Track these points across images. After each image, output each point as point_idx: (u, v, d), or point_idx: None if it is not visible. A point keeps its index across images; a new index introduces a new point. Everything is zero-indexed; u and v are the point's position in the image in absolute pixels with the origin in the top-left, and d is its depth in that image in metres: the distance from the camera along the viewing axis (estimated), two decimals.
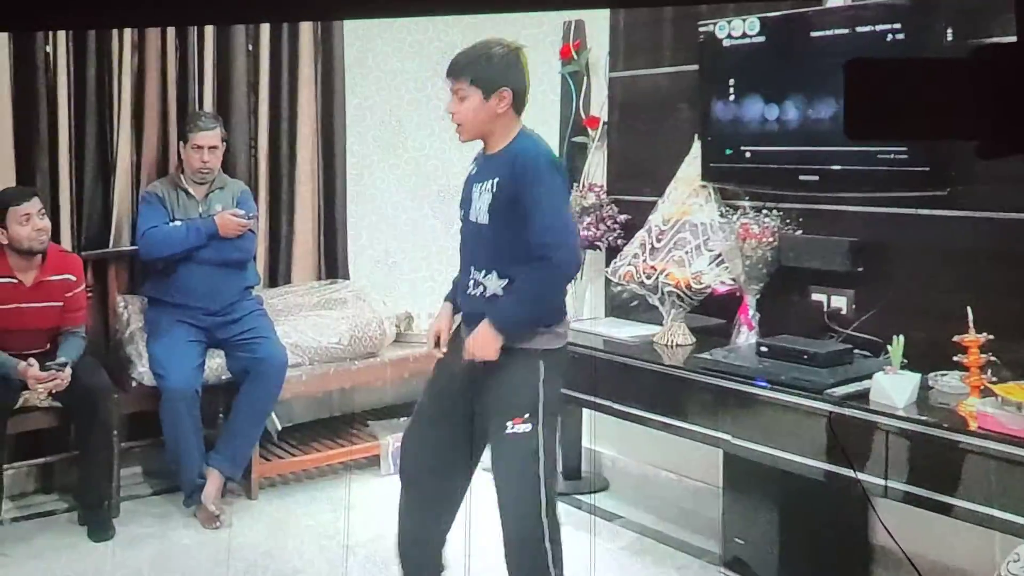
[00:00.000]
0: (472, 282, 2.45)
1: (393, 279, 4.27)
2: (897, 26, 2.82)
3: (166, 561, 3.20)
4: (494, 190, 2.39)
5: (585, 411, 3.67)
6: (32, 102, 3.62)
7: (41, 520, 3.50)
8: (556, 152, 2.50)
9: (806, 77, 3.02)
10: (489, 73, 2.38)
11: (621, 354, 3.27)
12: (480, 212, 2.41)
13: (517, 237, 2.35)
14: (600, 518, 3.55)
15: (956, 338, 2.61)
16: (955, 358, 2.64)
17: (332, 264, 4.24)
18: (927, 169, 2.77)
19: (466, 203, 2.49)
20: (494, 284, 2.40)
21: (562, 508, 3.58)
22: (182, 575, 3.10)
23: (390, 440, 3.91)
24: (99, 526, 3.36)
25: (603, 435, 3.84)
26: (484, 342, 2.37)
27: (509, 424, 2.36)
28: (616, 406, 3.26)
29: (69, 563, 3.17)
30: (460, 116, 2.41)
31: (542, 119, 4.00)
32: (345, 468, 3.99)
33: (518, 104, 2.43)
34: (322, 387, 3.85)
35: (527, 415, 2.36)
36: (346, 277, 4.23)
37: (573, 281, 2.46)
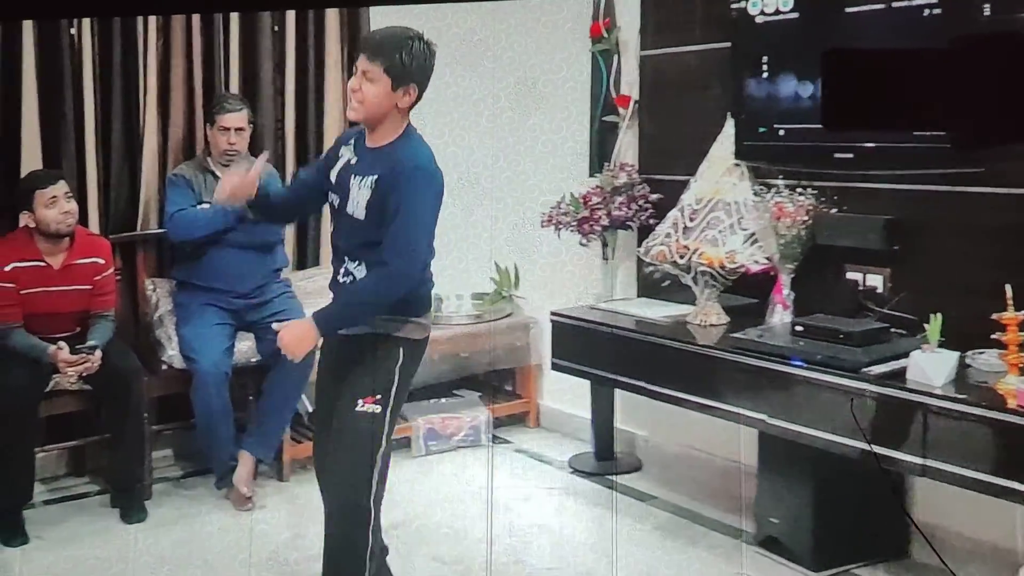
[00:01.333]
0: (343, 270, 2.48)
1: None
2: (934, 0, 2.78)
3: (199, 543, 3.22)
4: (373, 187, 2.38)
5: (617, 391, 3.67)
6: (57, 85, 3.61)
7: (73, 503, 3.53)
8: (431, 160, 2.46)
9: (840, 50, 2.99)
10: (405, 66, 2.34)
11: (653, 334, 3.26)
12: (357, 207, 2.40)
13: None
14: (632, 498, 3.54)
15: (994, 316, 2.59)
16: (993, 336, 2.62)
17: None
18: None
19: (343, 192, 2.45)
20: (361, 274, 2.44)
21: (595, 488, 3.64)
22: (216, 556, 3.11)
23: (420, 422, 3.92)
24: (132, 508, 3.39)
25: (635, 415, 3.84)
26: (299, 334, 2.44)
27: (360, 402, 2.41)
28: (648, 386, 3.25)
29: (103, 545, 3.19)
30: (362, 97, 2.36)
31: (572, 98, 4.00)
32: None
33: (416, 102, 2.43)
34: None
35: (379, 396, 2.42)
36: None
37: (409, 292, 2.44)
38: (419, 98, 2.41)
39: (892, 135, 2.86)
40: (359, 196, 2.39)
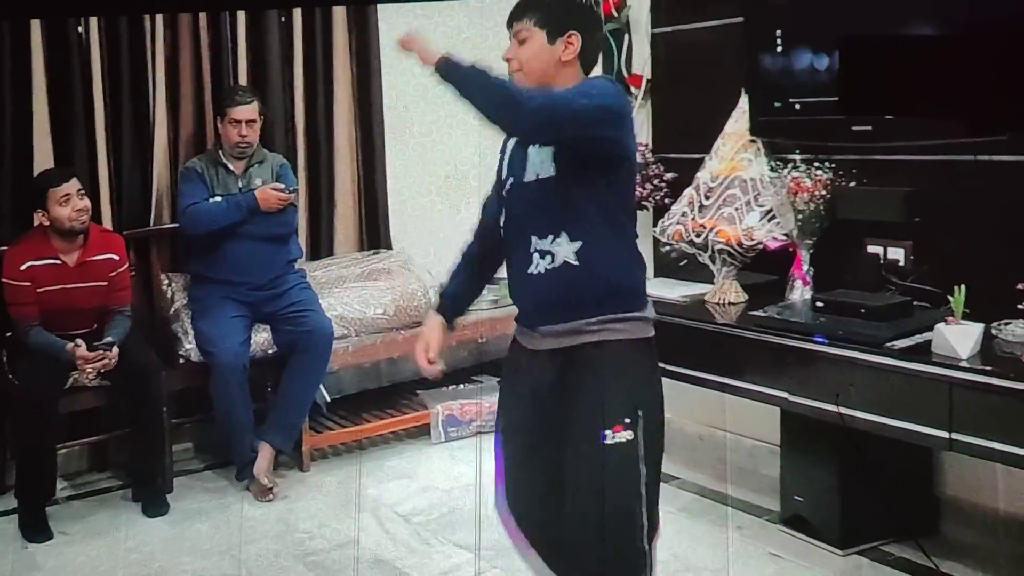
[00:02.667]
0: (536, 254, 2.00)
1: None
2: None
3: (222, 534, 3.22)
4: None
5: None
6: (67, 83, 3.61)
7: (96, 498, 3.54)
8: None
9: (856, 25, 2.94)
10: (556, 14, 2.04)
11: (672, 315, 3.21)
12: (543, 166, 2.00)
13: (593, 189, 1.97)
14: None
15: (1020, 285, 2.56)
16: (1019, 306, 2.59)
17: (374, 234, 4.22)
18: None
19: (517, 168, 2.06)
20: (566, 249, 1.97)
21: None
22: (238, 548, 3.11)
23: (439, 409, 3.92)
24: (153, 502, 3.40)
25: None
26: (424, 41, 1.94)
27: (608, 433, 1.96)
28: (668, 367, 3.17)
29: (126, 539, 3.19)
30: (518, 60, 2.06)
31: None
32: (396, 437, 3.99)
33: (587, 55, 2.07)
34: (369, 358, 3.84)
35: (627, 420, 1.97)
36: (388, 247, 4.21)
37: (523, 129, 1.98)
38: (589, 50, 2.06)
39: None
40: (542, 154, 2.00)
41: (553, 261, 1.98)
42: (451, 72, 1.93)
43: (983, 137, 2.72)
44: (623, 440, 1.96)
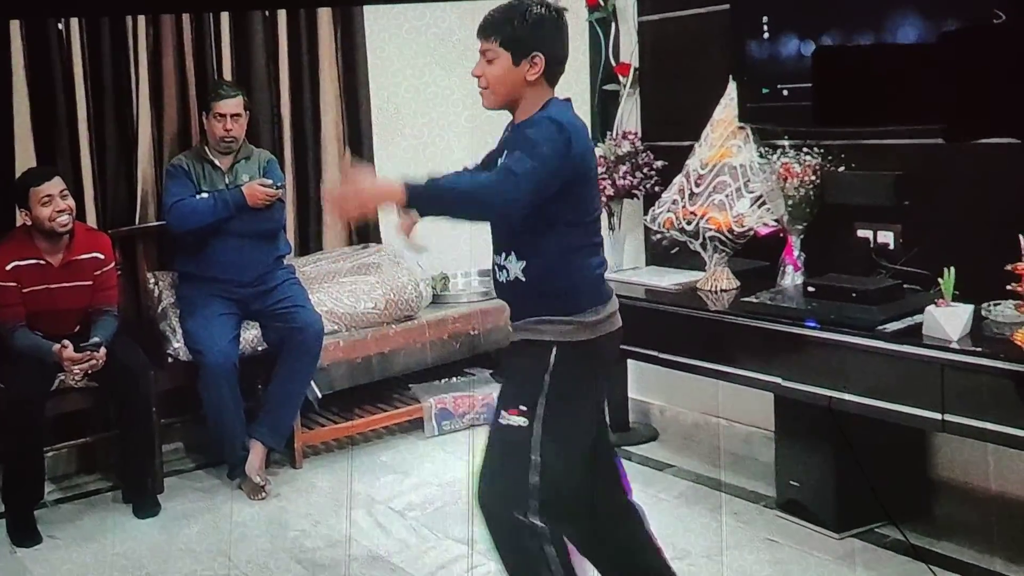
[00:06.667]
0: (496, 268, 2.25)
1: None
2: None
3: (214, 534, 3.19)
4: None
5: (630, 362, 3.64)
6: (48, 81, 3.56)
7: (86, 500, 3.49)
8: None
9: (841, 9, 2.95)
10: (521, 34, 2.12)
11: (664, 302, 3.24)
12: None
13: (538, 212, 2.09)
14: (652, 468, 3.53)
15: (1008, 267, 2.58)
16: (1008, 287, 2.60)
17: (363, 229, 4.19)
18: None
19: None
20: (515, 267, 2.17)
21: None
22: (233, 548, 3.08)
23: (432, 402, 3.90)
24: (144, 503, 3.36)
25: (649, 385, 3.82)
26: (373, 185, 2.15)
27: (503, 413, 2.16)
28: (662, 355, 3.22)
29: (118, 542, 3.16)
30: (486, 82, 2.16)
31: (571, 69, 3.93)
32: (389, 432, 3.97)
33: (552, 73, 2.16)
34: (361, 353, 3.81)
35: (523, 407, 2.13)
36: (378, 241, 4.18)
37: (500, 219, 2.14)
38: (553, 67, 2.15)
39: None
40: None
41: (508, 275, 2.20)
42: (421, 199, 2.10)
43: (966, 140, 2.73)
44: (514, 424, 2.13)
